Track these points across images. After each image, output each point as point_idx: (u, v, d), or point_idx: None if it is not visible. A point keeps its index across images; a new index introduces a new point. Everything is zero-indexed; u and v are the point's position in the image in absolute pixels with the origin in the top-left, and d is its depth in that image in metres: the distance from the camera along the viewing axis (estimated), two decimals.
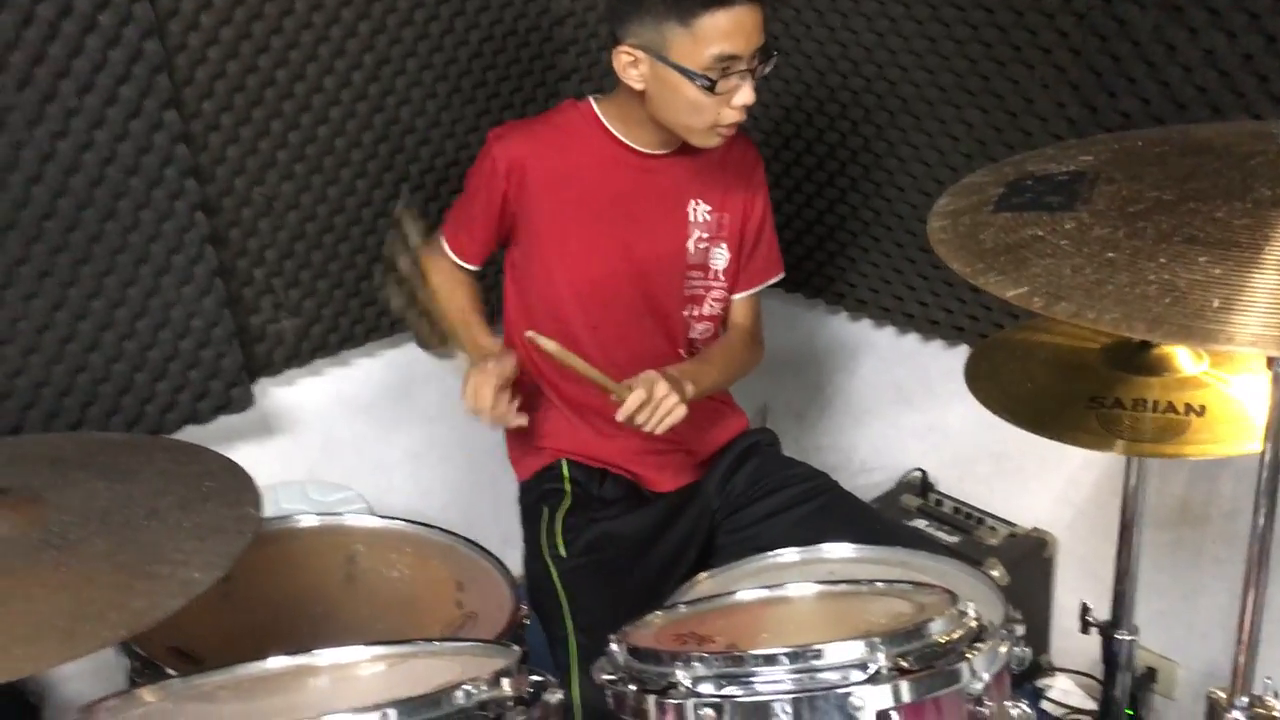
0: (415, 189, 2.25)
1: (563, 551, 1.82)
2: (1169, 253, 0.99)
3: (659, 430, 1.73)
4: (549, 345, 1.68)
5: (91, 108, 1.83)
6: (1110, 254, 1.00)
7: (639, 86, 1.75)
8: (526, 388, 1.92)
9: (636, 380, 1.73)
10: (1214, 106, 1.81)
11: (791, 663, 1.16)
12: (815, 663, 1.16)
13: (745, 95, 1.71)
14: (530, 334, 1.70)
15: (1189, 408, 1.48)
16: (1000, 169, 1.25)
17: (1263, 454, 1.18)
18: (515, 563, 1.87)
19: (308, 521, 1.77)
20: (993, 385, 1.61)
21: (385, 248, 1.82)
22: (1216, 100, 1.80)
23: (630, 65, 1.73)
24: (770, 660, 1.16)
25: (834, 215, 2.37)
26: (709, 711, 1.14)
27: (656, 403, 1.71)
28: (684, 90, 1.71)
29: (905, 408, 2.49)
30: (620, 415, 1.72)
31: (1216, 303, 0.92)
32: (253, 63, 2.00)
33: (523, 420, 1.82)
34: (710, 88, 1.68)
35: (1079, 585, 2.28)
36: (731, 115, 1.73)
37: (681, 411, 1.73)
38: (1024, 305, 0.99)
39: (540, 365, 1.94)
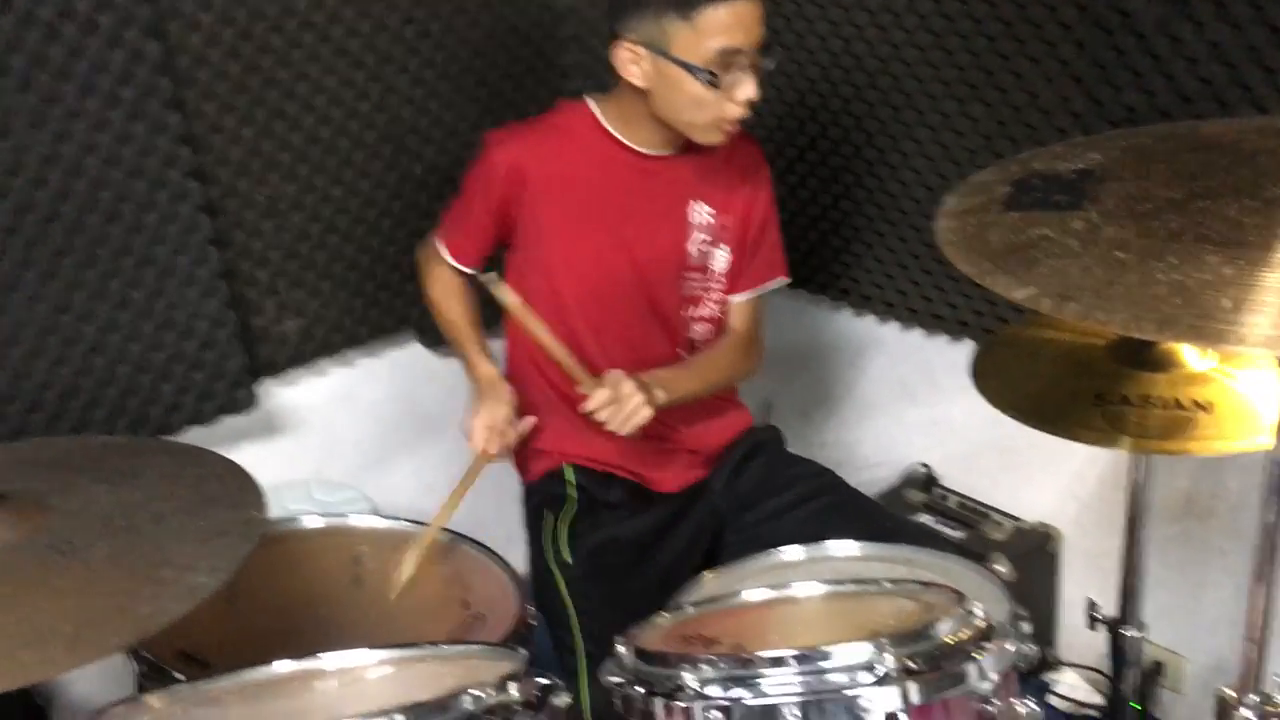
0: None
1: (568, 558, 1.81)
2: (1179, 252, 0.98)
3: (623, 431, 1.74)
4: (509, 299, 1.65)
5: (93, 110, 1.82)
6: (1119, 254, 0.99)
7: (640, 84, 1.74)
8: (530, 391, 1.92)
9: (604, 378, 1.74)
10: (1220, 100, 1.79)
11: (799, 665, 1.16)
12: (823, 664, 1.16)
13: (748, 90, 1.70)
14: (485, 277, 1.64)
15: (1195, 404, 1.48)
16: (1007, 167, 1.24)
17: (1271, 451, 1.17)
18: (519, 559, 1.87)
19: (313, 523, 1.77)
20: (999, 382, 1.60)
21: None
22: (1222, 94, 1.79)
23: (631, 62, 1.72)
24: (778, 662, 1.16)
25: (838, 211, 2.37)
26: (717, 714, 1.14)
27: (621, 402, 1.72)
28: (686, 85, 1.70)
29: (909, 403, 2.48)
30: (585, 407, 1.73)
31: (1228, 303, 0.92)
32: (254, 63, 2.00)
33: (528, 425, 1.84)
34: (713, 82, 1.68)
35: (1085, 580, 2.28)
36: (735, 110, 1.72)
37: (647, 414, 1.73)
38: (1033, 307, 0.98)
39: (544, 369, 1.93)
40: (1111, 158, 1.17)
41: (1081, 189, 1.09)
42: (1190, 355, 1.54)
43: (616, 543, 1.83)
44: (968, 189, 1.22)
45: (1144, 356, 1.53)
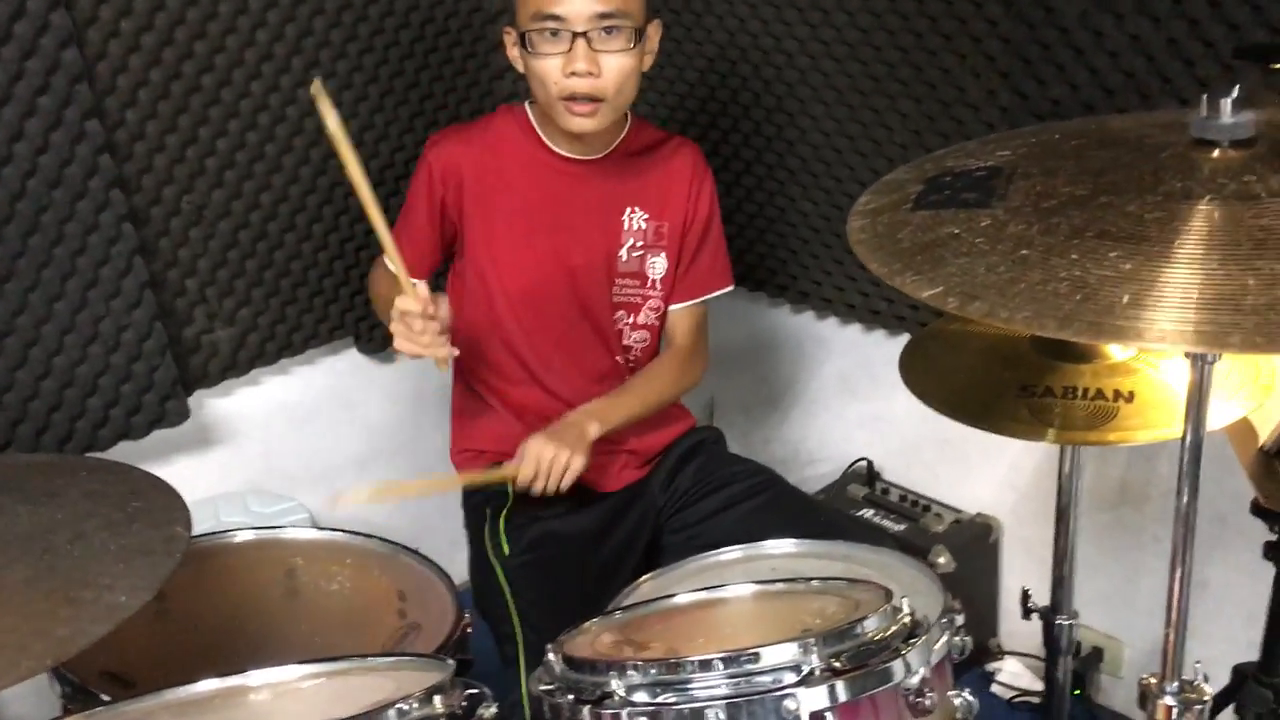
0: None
1: (506, 549, 1.81)
2: (1081, 249, 0.99)
3: (562, 489, 1.76)
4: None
5: (9, 121, 1.79)
6: (1024, 251, 1.00)
7: (522, 71, 1.75)
8: (471, 393, 1.91)
9: (521, 451, 1.76)
10: (1141, 93, 1.82)
11: (725, 667, 1.15)
12: (749, 666, 1.16)
13: (574, 62, 1.66)
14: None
15: (1118, 394, 1.49)
16: (921, 165, 1.25)
17: (1183, 438, 1.18)
18: (462, 569, 1.86)
19: (244, 536, 1.74)
20: (927, 377, 1.62)
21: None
22: (1144, 87, 1.81)
23: (511, 48, 1.74)
24: (705, 666, 1.16)
25: (774, 208, 2.37)
26: None
27: (547, 470, 1.74)
28: (526, 60, 1.71)
29: (850, 398, 2.50)
30: (519, 485, 1.76)
31: (1126, 298, 0.93)
32: (177, 69, 1.97)
33: (454, 352, 1.72)
34: (528, 48, 1.68)
35: (1025, 569, 2.30)
36: (569, 85, 1.69)
37: (578, 464, 1.76)
38: (939, 305, 0.99)
39: (479, 373, 1.93)
40: (1021, 155, 1.18)
41: (990, 186, 1.10)
42: (1113, 346, 1.56)
43: (555, 536, 1.83)
44: (880, 188, 1.22)
45: (1067, 348, 1.54)
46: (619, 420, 1.86)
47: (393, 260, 1.65)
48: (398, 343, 1.68)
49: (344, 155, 1.51)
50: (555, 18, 1.65)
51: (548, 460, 1.74)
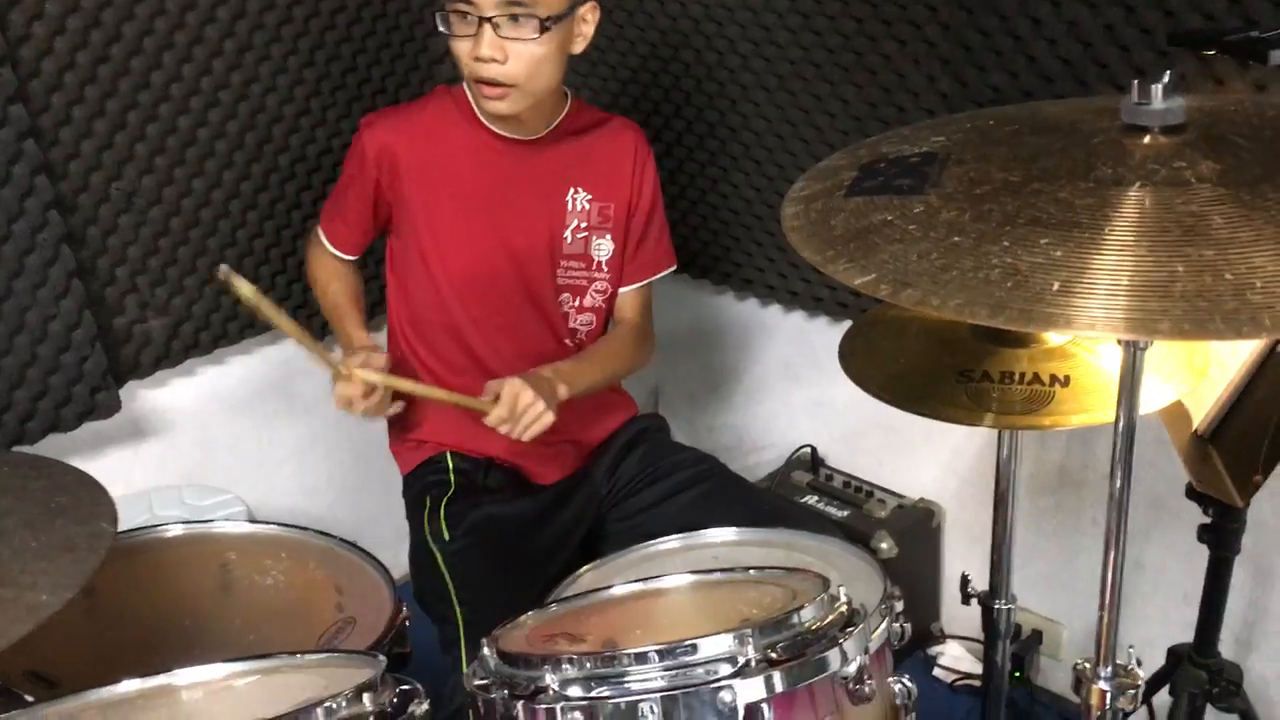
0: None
1: (446, 535, 1.79)
2: (1013, 235, 0.98)
3: (525, 438, 1.71)
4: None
5: None
6: (956, 238, 1.00)
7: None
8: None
9: (502, 389, 1.69)
10: (1079, 80, 1.83)
11: (661, 660, 1.14)
12: (685, 658, 1.15)
13: (479, 47, 1.65)
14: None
15: (1054, 379, 1.50)
16: (855, 152, 1.24)
17: (1116, 422, 1.19)
18: (403, 563, 1.83)
19: (175, 531, 1.70)
20: (867, 363, 1.61)
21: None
22: (1080, 73, 1.82)
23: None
24: (640, 659, 1.15)
25: (716, 194, 2.36)
26: (577, 715, 1.13)
27: (520, 414, 1.69)
28: (447, 40, 1.69)
29: (794, 385, 2.50)
30: (488, 422, 1.70)
31: (1056, 285, 0.92)
32: (104, 53, 1.91)
33: (398, 408, 1.78)
34: (441, 27, 1.67)
35: (967, 553, 2.32)
36: (478, 69, 1.68)
37: (548, 419, 1.71)
38: (871, 293, 0.98)
39: (422, 358, 1.90)
40: (955, 141, 1.17)
41: (924, 172, 1.10)
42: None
43: (495, 520, 1.81)
44: (815, 174, 1.21)
45: (1004, 334, 1.55)
46: (583, 386, 1.82)
47: (324, 363, 1.67)
48: (338, 402, 1.70)
49: (270, 317, 1.56)
50: (466, 1, 1.64)
51: (524, 405, 1.69)
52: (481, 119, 1.80)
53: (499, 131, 1.80)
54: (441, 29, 1.69)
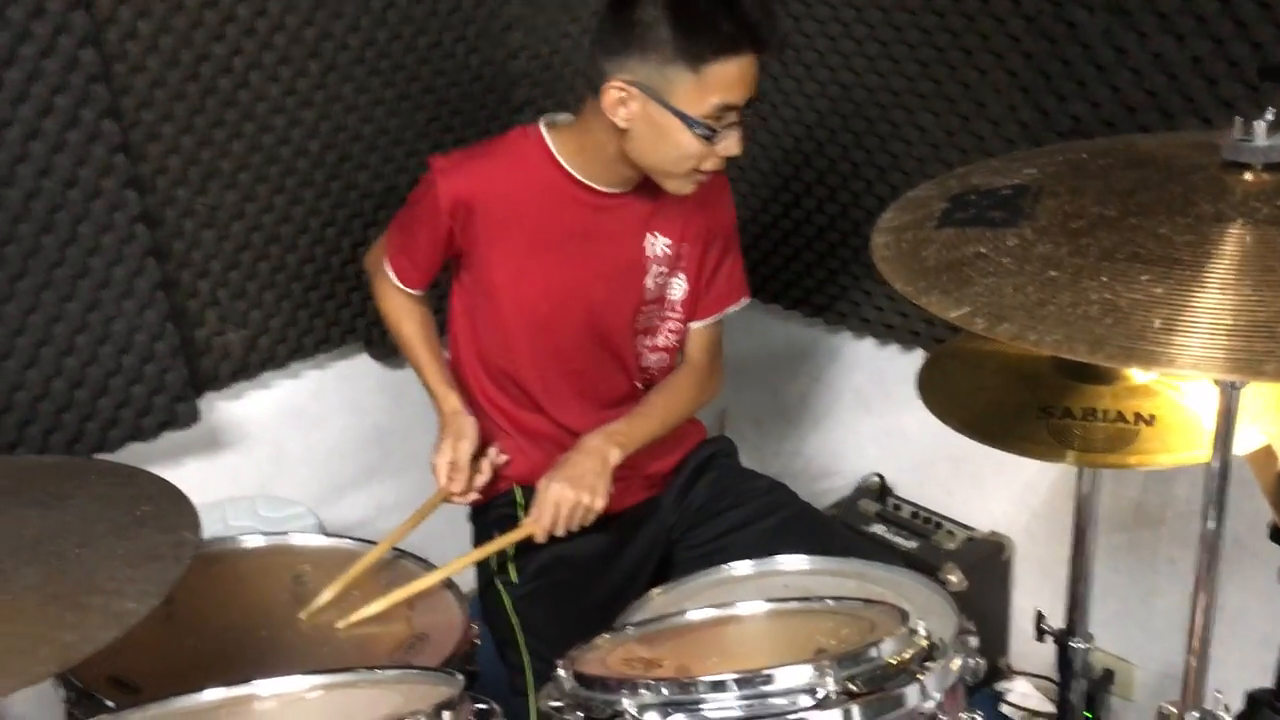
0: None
1: (514, 578, 1.78)
2: (1111, 271, 0.97)
3: (587, 523, 1.74)
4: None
5: (26, 119, 1.78)
6: (1052, 272, 0.98)
7: (623, 125, 1.65)
8: (477, 414, 1.86)
9: (536, 499, 1.73)
10: (1164, 111, 1.80)
11: (739, 689, 1.14)
12: (764, 688, 1.14)
13: (732, 145, 1.65)
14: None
15: (1139, 417, 1.48)
16: (945, 182, 1.23)
17: (1210, 463, 1.17)
18: (470, 578, 1.84)
19: (253, 542, 1.73)
20: (945, 395, 1.60)
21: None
22: (1166, 104, 1.80)
23: (620, 103, 1.63)
24: (718, 686, 1.14)
25: (788, 221, 2.36)
26: None
27: (566, 518, 1.71)
28: (675, 135, 1.63)
29: (863, 412, 2.48)
30: (540, 540, 1.74)
31: (1158, 323, 0.91)
32: (194, 70, 1.96)
33: (499, 461, 1.85)
34: (709, 137, 1.62)
35: (1037, 588, 2.28)
36: (714, 163, 1.67)
37: (600, 505, 1.72)
38: (966, 326, 0.97)
39: (491, 392, 1.89)
40: (1048, 173, 1.16)
41: (1017, 205, 1.09)
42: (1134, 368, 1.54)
43: (564, 561, 1.79)
44: (904, 204, 1.21)
45: (1088, 369, 1.52)
46: (639, 443, 1.81)
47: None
48: (440, 479, 1.81)
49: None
50: (733, 108, 1.62)
51: (567, 508, 1.70)
52: (567, 166, 1.74)
53: (585, 181, 1.75)
54: (704, 134, 1.62)
